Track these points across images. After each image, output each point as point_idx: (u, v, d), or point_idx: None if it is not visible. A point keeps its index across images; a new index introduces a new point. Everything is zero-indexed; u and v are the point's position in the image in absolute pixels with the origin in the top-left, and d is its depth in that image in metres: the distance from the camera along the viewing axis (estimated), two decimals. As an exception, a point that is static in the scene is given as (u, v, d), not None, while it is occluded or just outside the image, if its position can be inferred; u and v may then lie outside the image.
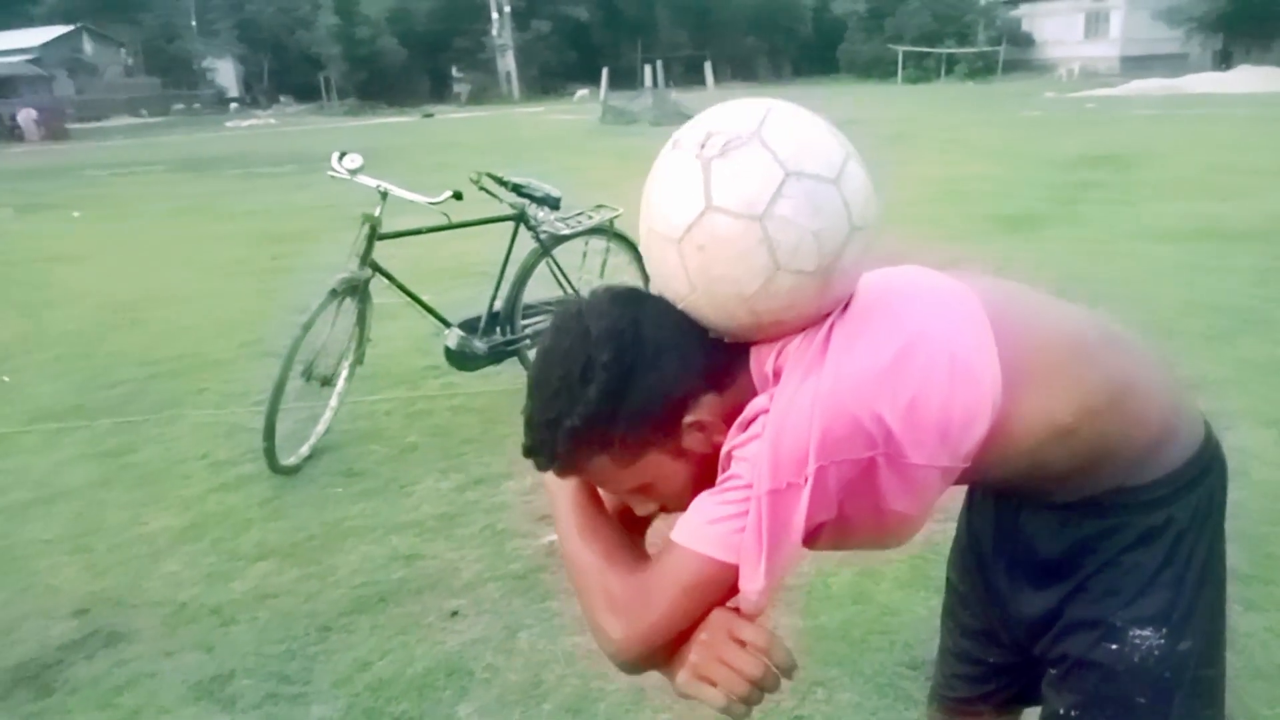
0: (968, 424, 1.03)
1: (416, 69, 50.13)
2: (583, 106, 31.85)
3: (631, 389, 1.04)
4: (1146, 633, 1.11)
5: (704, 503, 1.04)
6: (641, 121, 22.74)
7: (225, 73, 56.67)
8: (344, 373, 3.93)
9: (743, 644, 1.00)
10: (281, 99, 49.74)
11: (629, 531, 1.17)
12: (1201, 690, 1.16)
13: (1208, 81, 28.35)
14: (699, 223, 1.00)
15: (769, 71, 57.34)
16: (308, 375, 3.71)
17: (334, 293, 3.62)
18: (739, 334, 1.08)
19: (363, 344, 3.93)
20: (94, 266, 8.30)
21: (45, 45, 47.47)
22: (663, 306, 1.08)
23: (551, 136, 21.28)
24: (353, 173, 3.77)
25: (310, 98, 49.12)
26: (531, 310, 4.33)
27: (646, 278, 4.65)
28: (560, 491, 1.15)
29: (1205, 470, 1.14)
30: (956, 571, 1.39)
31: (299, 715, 2.30)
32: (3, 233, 10.70)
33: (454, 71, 52.28)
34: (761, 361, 1.08)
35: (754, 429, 1.02)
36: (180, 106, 46.99)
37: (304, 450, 3.76)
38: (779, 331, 1.06)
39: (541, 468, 1.11)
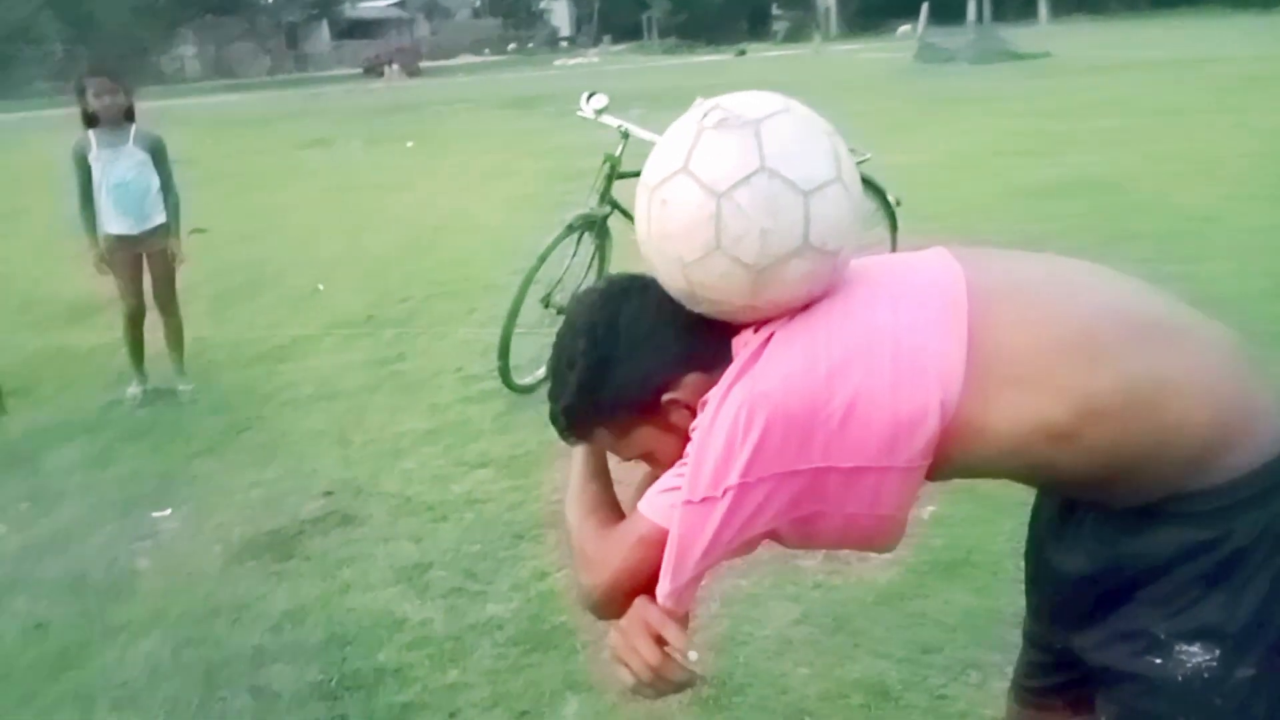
0: (916, 422, 0.99)
1: (737, 6, 50.21)
2: (902, 44, 30.42)
3: (606, 376, 1.13)
4: (1195, 649, 1.00)
5: (666, 474, 1.09)
6: (960, 60, 21.33)
7: (560, 13, 59.95)
8: (581, 304, 4.15)
9: (659, 639, 1.05)
10: (606, 38, 51.84)
11: None
12: None
13: None
14: (671, 179, 1.04)
15: (1122, 2, 51.36)
16: (546, 303, 3.96)
17: (570, 227, 3.83)
18: (680, 297, 1.10)
19: (601, 277, 4.12)
20: (412, 195, 9.25)
21: (409, -10, 52.71)
22: (648, 297, 1.13)
23: (860, 76, 20.59)
24: (598, 113, 3.93)
25: (635, 37, 50.84)
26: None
27: (894, 225, 4.43)
28: (573, 456, 1.26)
29: None
30: (1027, 555, 1.30)
31: (475, 609, 2.54)
32: (350, 162, 12.18)
33: (773, 9, 51.79)
34: (741, 344, 1.09)
35: None
36: (514, 46, 50.43)
37: (540, 372, 4.03)
38: (714, 311, 1.09)
39: (561, 437, 1.23)
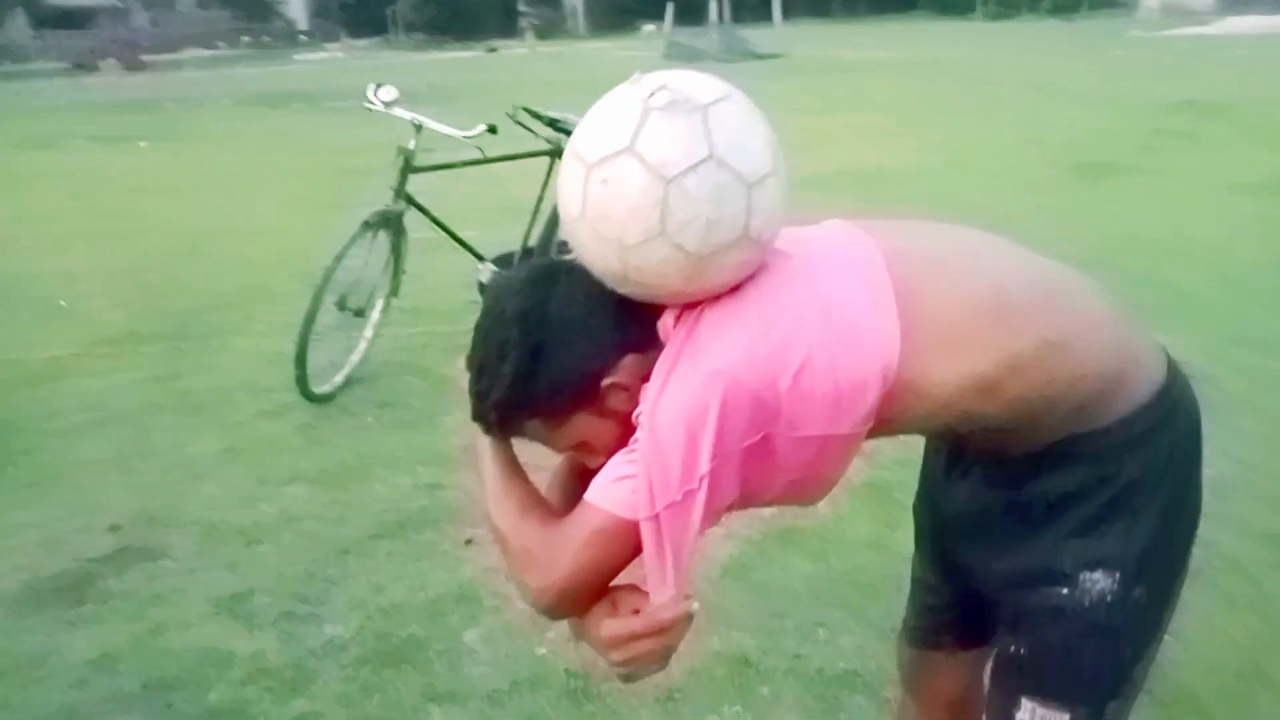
0: (858, 389, 1.03)
1: (485, 3, 49.73)
2: (649, 43, 31.32)
3: (542, 365, 1.10)
4: (1097, 575, 1.10)
5: (613, 461, 1.07)
6: (707, 58, 22.30)
7: (295, 6, 56.89)
8: (378, 304, 3.99)
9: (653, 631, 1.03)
10: (349, 32, 49.83)
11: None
12: (1145, 644, 1.15)
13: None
14: (614, 159, 1.01)
15: (843, 7, 55.48)
16: (341, 306, 3.77)
17: (367, 225, 3.66)
18: (607, 278, 1.09)
19: (397, 276, 3.97)
20: (159, 198, 8.46)
21: (123, -23, 48.14)
22: (575, 281, 1.11)
23: (615, 74, 20.99)
24: (388, 105, 3.78)
25: (379, 32, 49.14)
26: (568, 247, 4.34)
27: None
28: (482, 455, 1.19)
29: (1164, 419, 1.12)
30: (920, 501, 1.39)
31: (311, 634, 2.38)
32: (83, 165, 10.96)
33: (520, 6, 51.79)
34: (665, 326, 1.09)
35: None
36: (248, 39, 47.40)
37: (338, 379, 3.84)
38: (642, 294, 1.08)
39: (486, 433, 1.17)
